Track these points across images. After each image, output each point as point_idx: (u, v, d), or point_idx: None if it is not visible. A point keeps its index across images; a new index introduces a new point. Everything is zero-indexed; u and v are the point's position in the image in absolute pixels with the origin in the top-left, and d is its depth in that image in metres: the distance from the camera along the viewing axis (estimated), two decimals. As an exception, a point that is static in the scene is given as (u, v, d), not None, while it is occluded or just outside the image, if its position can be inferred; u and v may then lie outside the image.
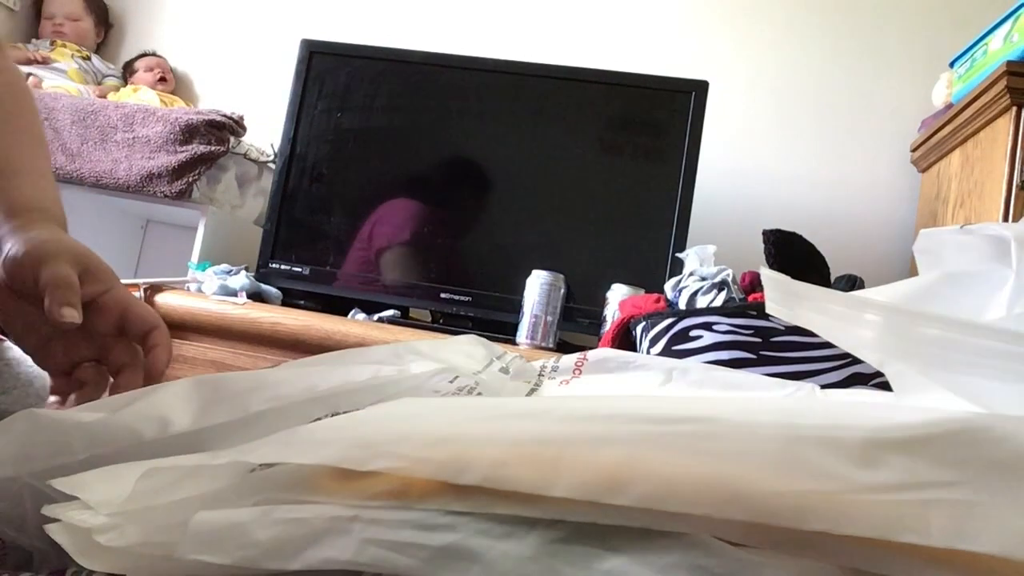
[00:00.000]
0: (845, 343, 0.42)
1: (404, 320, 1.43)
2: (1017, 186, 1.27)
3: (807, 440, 0.32)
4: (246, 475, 0.35)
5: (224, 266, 1.40)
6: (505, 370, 0.72)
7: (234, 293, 1.31)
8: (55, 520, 0.36)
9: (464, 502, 0.31)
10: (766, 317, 0.94)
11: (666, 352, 0.97)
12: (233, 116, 1.55)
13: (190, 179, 1.46)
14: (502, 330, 1.30)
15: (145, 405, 0.54)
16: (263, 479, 0.35)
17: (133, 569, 0.33)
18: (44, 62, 1.88)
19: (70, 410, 0.56)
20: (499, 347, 0.84)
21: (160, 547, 0.32)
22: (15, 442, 0.46)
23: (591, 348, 0.87)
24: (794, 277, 0.42)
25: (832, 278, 1.12)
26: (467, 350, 0.74)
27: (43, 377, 0.66)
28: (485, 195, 1.51)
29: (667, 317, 1.01)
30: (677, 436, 0.32)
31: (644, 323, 1.04)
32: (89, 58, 1.96)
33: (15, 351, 0.65)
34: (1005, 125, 1.30)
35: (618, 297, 1.24)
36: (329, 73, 1.54)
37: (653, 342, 1.00)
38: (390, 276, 1.49)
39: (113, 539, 0.33)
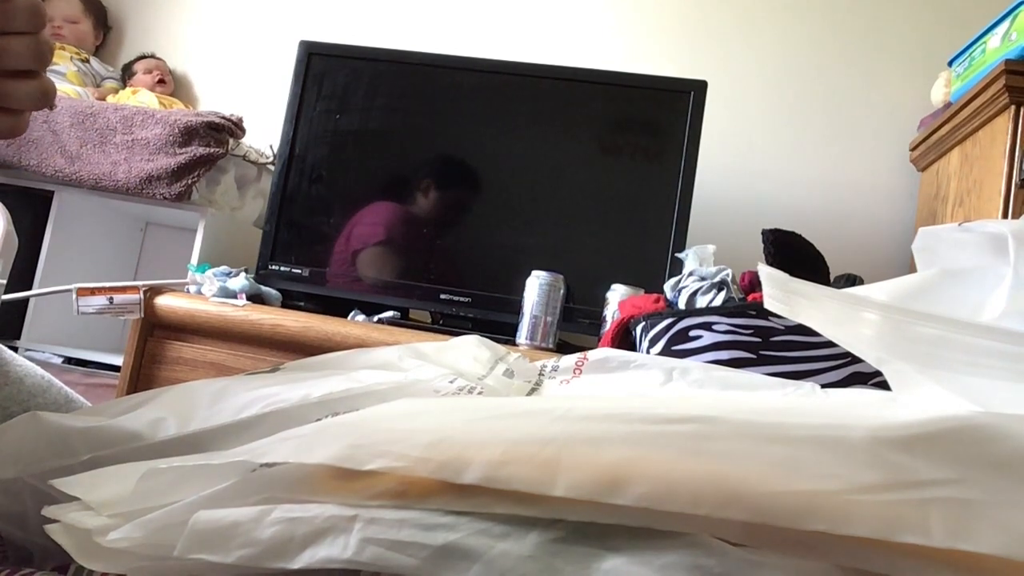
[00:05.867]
0: (843, 340, 0.42)
1: (404, 321, 1.43)
2: (1016, 184, 1.27)
3: (807, 440, 0.32)
4: (247, 475, 0.35)
5: (224, 268, 1.40)
6: (510, 373, 0.72)
7: (234, 295, 1.31)
8: (56, 521, 0.36)
9: (464, 502, 0.31)
10: (766, 317, 0.94)
11: (666, 352, 0.97)
12: (232, 118, 1.55)
13: (189, 181, 1.46)
14: (502, 331, 1.30)
15: (146, 409, 0.55)
16: (264, 479, 0.35)
17: (134, 569, 0.33)
18: (43, 64, 1.88)
19: (72, 413, 0.56)
20: (502, 348, 0.84)
21: (160, 547, 0.32)
22: (17, 444, 0.46)
23: (591, 348, 0.87)
24: (793, 276, 0.42)
25: (832, 277, 1.12)
26: (472, 353, 0.74)
27: (36, 375, 0.66)
28: (484, 196, 1.51)
29: (667, 317, 1.01)
30: (677, 436, 0.32)
31: (644, 323, 1.04)
32: (88, 60, 1.96)
33: (6, 351, 0.65)
34: (1004, 124, 1.30)
35: (618, 297, 1.24)
36: (328, 74, 1.54)
37: (653, 342, 1.00)
38: (390, 277, 1.49)
39: (113, 540, 0.33)
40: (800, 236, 1.09)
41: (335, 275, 1.48)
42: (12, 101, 0.45)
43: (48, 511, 0.37)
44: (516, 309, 1.28)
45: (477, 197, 1.52)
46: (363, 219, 1.51)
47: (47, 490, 0.42)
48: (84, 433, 0.48)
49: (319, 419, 0.49)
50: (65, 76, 1.86)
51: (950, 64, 1.56)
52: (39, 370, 0.68)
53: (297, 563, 0.30)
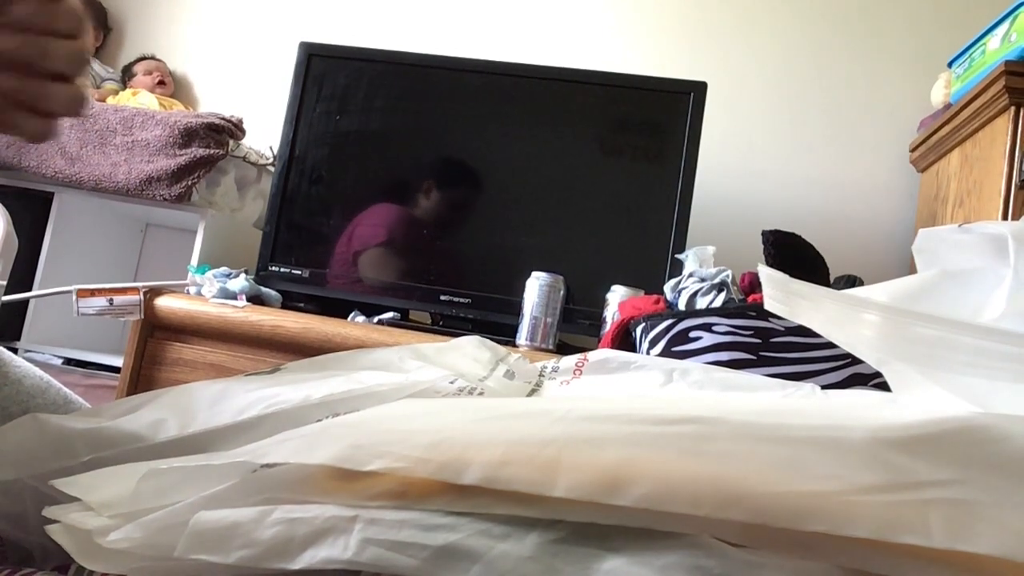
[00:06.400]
0: (843, 341, 0.42)
1: (404, 322, 1.43)
2: (1016, 185, 1.27)
3: (807, 441, 0.32)
4: (247, 476, 0.35)
5: (224, 269, 1.40)
6: (510, 374, 0.72)
7: (234, 296, 1.31)
8: (56, 521, 0.36)
9: (464, 502, 0.31)
10: (766, 318, 0.94)
11: (666, 353, 0.97)
12: (232, 119, 1.55)
13: (189, 182, 1.46)
14: (502, 332, 1.30)
15: (147, 410, 0.55)
16: (264, 479, 0.35)
17: (135, 569, 0.33)
18: (43, 66, 1.87)
19: (72, 414, 0.56)
20: (503, 349, 0.84)
21: (161, 548, 0.32)
22: (17, 445, 0.46)
23: (591, 349, 0.87)
24: (793, 277, 0.42)
25: (832, 278, 1.12)
26: (472, 354, 0.74)
27: (35, 376, 0.66)
28: (484, 197, 1.52)
29: (667, 318, 1.01)
30: (677, 437, 0.32)
31: (644, 324, 1.04)
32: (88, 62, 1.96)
33: (5, 352, 0.65)
34: (1004, 125, 1.31)
35: (618, 298, 1.24)
36: (328, 76, 1.54)
37: (653, 343, 1.00)
38: (391, 278, 1.49)
39: (114, 540, 0.33)
40: (800, 237, 1.09)
41: (335, 276, 1.48)
42: (47, 103, 0.44)
43: (49, 512, 0.37)
44: (516, 310, 1.28)
45: (477, 198, 1.52)
46: (365, 220, 1.51)
47: (47, 491, 0.42)
48: (84, 434, 0.48)
49: (320, 420, 0.49)
50: (65, 77, 1.86)
51: (950, 65, 1.56)
52: (38, 371, 0.68)
53: (297, 564, 0.30)
